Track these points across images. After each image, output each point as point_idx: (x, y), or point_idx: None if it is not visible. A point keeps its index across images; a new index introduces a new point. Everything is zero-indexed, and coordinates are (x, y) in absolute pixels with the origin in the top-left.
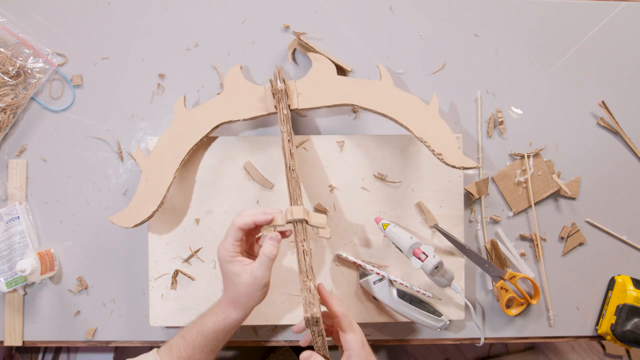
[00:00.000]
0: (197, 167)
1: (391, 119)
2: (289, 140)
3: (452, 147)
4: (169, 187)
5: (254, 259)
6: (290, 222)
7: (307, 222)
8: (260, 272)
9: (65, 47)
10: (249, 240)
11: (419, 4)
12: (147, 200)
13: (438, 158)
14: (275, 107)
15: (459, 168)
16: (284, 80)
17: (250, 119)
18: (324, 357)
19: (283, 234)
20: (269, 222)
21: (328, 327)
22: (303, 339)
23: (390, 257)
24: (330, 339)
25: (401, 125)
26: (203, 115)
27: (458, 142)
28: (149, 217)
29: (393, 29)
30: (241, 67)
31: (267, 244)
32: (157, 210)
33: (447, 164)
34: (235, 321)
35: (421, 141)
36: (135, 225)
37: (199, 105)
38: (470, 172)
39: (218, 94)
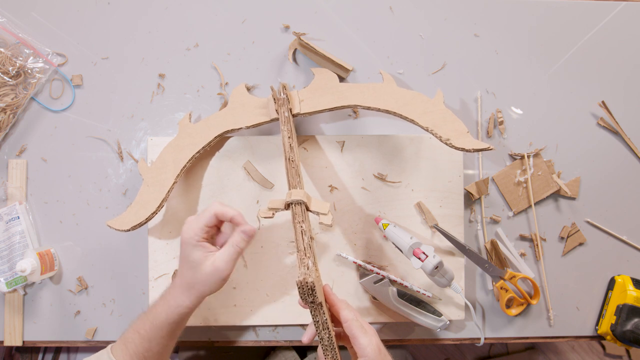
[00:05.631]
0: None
1: (395, 114)
2: (289, 137)
3: (460, 132)
4: (168, 192)
5: (214, 247)
6: (289, 204)
7: (307, 207)
8: (223, 264)
9: (65, 47)
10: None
11: (419, 4)
12: (145, 204)
13: (446, 144)
14: (277, 111)
15: (470, 151)
16: (285, 87)
17: (253, 126)
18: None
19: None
20: (241, 226)
21: (339, 333)
22: (306, 335)
23: (390, 257)
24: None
25: (405, 118)
26: (207, 127)
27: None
28: (146, 220)
29: (393, 29)
30: (246, 86)
31: (238, 235)
32: (155, 212)
33: (456, 147)
34: (187, 309)
35: (427, 130)
36: (131, 228)
37: (203, 119)
38: (470, 172)
39: (218, 94)
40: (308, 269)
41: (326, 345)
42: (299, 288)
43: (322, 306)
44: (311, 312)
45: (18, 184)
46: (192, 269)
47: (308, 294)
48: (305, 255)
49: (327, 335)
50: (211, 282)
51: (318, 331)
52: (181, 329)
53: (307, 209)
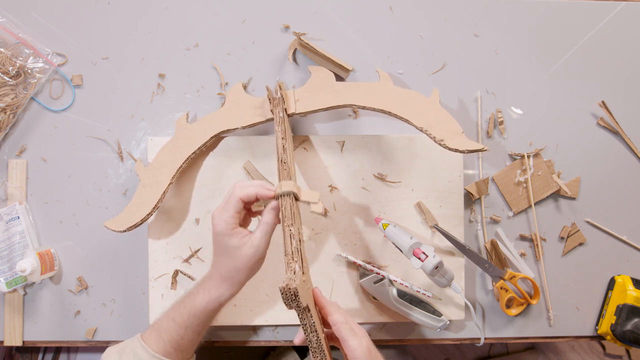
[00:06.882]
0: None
1: (390, 113)
2: (282, 138)
3: (455, 133)
4: (164, 192)
5: (247, 230)
6: (278, 197)
7: (297, 198)
8: (262, 242)
9: (65, 47)
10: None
11: (419, 4)
12: (141, 205)
13: (440, 144)
14: (272, 111)
15: (464, 152)
16: (280, 86)
17: (249, 126)
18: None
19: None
20: (271, 198)
21: (330, 335)
22: (297, 337)
23: (390, 257)
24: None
25: (401, 118)
26: (203, 128)
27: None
28: (142, 221)
29: (393, 29)
30: (243, 85)
31: (269, 213)
32: (150, 214)
33: (450, 148)
34: (229, 297)
35: (421, 130)
36: (128, 229)
37: (199, 119)
38: (470, 172)
39: (218, 94)
40: (294, 273)
41: (315, 348)
42: (282, 294)
43: (308, 310)
44: (298, 315)
45: (18, 184)
46: (232, 256)
47: (291, 299)
48: (293, 259)
49: (316, 338)
50: (251, 265)
51: (306, 334)
52: (215, 316)
53: (297, 199)
